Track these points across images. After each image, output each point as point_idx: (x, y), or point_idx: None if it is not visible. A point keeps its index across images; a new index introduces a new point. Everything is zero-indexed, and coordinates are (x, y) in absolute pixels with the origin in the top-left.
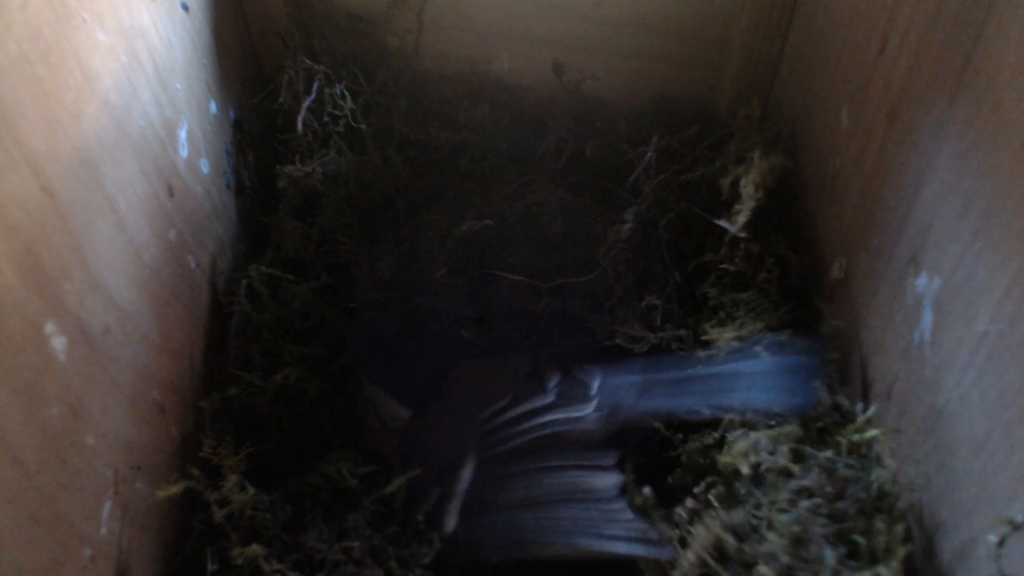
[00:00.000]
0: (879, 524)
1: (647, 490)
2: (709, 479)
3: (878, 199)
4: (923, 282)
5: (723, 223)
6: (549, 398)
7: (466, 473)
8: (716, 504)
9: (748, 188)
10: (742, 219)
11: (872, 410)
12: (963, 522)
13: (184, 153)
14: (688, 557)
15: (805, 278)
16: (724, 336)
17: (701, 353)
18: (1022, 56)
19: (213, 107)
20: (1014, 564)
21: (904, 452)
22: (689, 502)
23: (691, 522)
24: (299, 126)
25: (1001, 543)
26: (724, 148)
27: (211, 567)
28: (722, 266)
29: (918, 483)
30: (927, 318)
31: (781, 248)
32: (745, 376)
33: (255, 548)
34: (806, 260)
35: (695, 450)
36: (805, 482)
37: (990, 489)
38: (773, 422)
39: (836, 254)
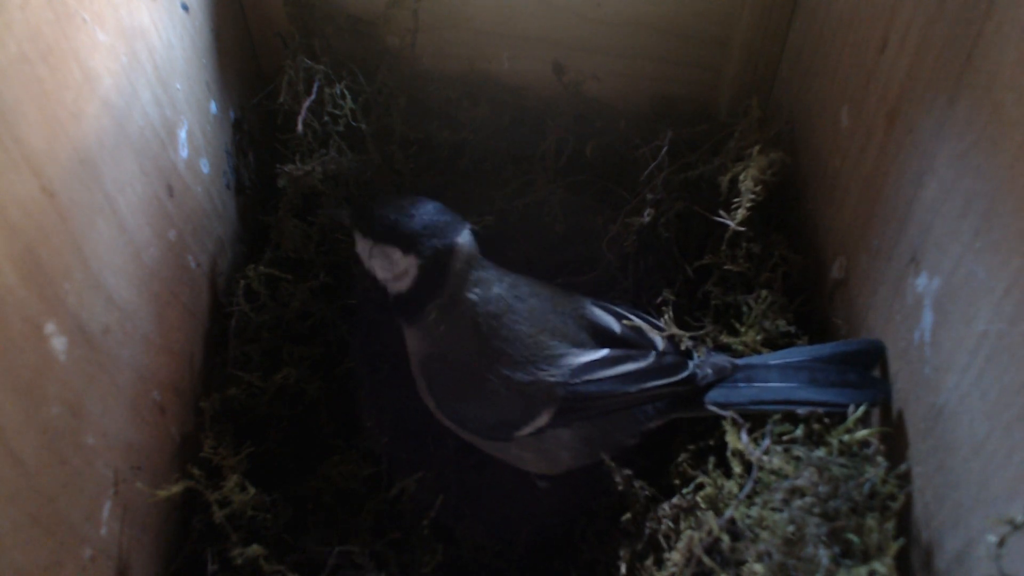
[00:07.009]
0: (871, 522)
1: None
2: (698, 481)
3: (878, 199)
4: (923, 282)
5: (723, 219)
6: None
7: None
8: (703, 506)
9: (747, 183)
10: (741, 213)
11: (861, 410)
12: (963, 522)
13: (184, 153)
14: (674, 557)
15: (806, 278)
16: (751, 336)
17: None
18: (1022, 56)
19: (213, 107)
20: (1014, 564)
21: (903, 452)
22: (676, 499)
23: (676, 521)
24: (299, 126)
25: (1001, 543)
26: (724, 147)
27: (211, 567)
28: (726, 267)
29: (918, 483)
30: (927, 318)
31: (781, 248)
32: (811, 370)
33: (255, 548)
34: (806, 260)
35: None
36: (799, 482)
37: (990, 489)
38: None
39: (836, 254)
